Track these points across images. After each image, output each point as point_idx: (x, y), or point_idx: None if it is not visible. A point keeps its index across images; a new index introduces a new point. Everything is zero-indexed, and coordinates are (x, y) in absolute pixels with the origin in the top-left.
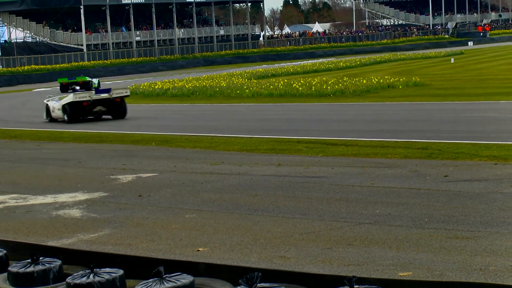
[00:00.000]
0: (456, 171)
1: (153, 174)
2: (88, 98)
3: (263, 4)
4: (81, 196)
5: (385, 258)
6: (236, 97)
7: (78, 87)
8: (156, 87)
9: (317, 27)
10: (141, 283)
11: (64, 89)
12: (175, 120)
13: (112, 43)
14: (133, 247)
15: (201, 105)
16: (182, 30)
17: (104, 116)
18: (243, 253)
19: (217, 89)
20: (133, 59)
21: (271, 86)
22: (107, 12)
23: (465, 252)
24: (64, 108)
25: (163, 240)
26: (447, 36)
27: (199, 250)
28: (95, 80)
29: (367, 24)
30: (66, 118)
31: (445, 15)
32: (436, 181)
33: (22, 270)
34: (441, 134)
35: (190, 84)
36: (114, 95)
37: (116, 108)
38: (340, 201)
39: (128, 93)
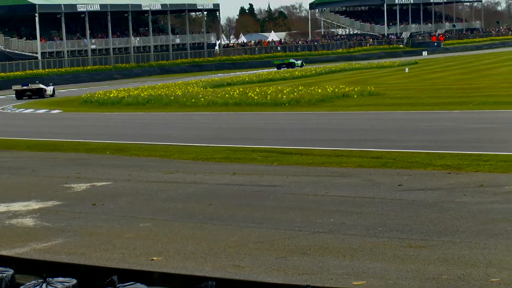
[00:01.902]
0: (410, 180)
1: (107, 183)
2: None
3: (219, 13)
4: (34, 205)
5: (339, 267)
6: (191, 106)
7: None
8: (111, 95)
9: (273, 36)
10: None
11: (279, 67)
12: (130, 128)
13: (67, 51)
14: (87, 256)
15: (157, 113)
16: (138, 39)
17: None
18: (197, 262)
19: (173, 98)
20: (88, 67)
21: (227, 95)
22: (62, 20)
23: (418, 261)
24: None
25: (117, 249)
26: (402, 45)
27: (153, 259)
28: (298, 62)
29: (322, 33)
30: None
31: (400, 25)
32: (390, 190)
33: None
34: (395, 143)
35: (145, 93)
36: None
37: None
38: (294, 210)
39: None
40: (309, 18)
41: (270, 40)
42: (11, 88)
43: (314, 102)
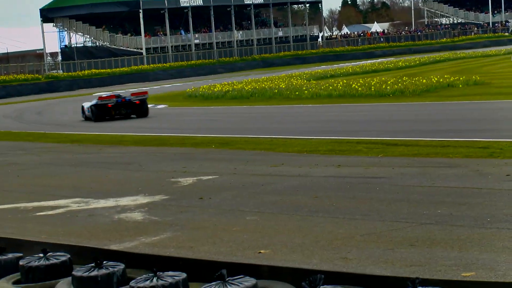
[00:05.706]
0: None
1: (213, 177)
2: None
3: (321, 5)
4: (142, 200)
5: (448, 259)
6: (295, 99)
7: None
8: (215, 89)
9: (376, 27)
10: (204, 286)
11: None
12: (235, 122)
13: (171, 47)
14: (195, 250)
15: (260, 107)
16: (241, 32)
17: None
18: (304, 255)
19: (276, 91)
20: (192, 62)
21: (330, 87)
22: (166, 15)
23: None
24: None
25: (224, 242)
26: (507, 34)
27: (260, 252)
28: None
29: (426, 23)
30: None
31: (505, 13)
32: (498, 180)
33: (86, 274)
34: (502, 133)
35: (249, 86)
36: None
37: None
38: (401, 202)
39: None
40: (412, 8)
41: (373, 31)
42: (119, 84)
43: (419, 93)
